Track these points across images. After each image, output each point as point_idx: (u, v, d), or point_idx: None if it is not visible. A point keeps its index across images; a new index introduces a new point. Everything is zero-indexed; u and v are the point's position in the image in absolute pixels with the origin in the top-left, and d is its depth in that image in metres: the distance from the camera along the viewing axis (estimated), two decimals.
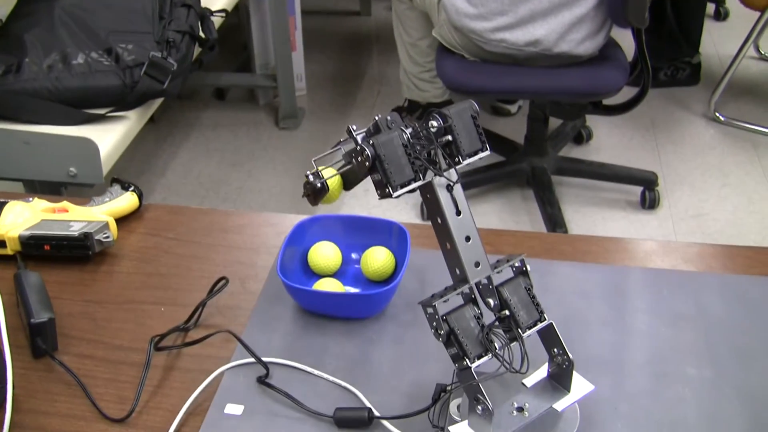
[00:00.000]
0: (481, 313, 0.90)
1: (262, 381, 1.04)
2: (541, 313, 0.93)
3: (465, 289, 0.91)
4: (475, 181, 3.11)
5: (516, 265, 0.93)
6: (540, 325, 0.93)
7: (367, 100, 3.78)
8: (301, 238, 1.22)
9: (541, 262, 1.25)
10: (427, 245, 1.27)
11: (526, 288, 0.92)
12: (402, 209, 3.04)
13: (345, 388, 1.04)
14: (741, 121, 3.54)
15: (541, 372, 0.98)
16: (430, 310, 0.89)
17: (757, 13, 3.44)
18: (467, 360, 0.88)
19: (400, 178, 0.86)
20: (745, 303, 1.17)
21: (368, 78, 3.98)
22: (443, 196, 0.89)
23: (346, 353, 1.10)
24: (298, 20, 3.61)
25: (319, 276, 1.22)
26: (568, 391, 0.95)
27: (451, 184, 0.89)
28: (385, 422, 0.97)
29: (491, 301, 0.91)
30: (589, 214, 3.04)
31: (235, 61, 3.91)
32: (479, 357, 0.89)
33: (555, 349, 0.94)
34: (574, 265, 1.25)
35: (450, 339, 0.89)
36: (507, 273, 0.93)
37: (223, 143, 3.49)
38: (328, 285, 1.18)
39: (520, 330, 0.91)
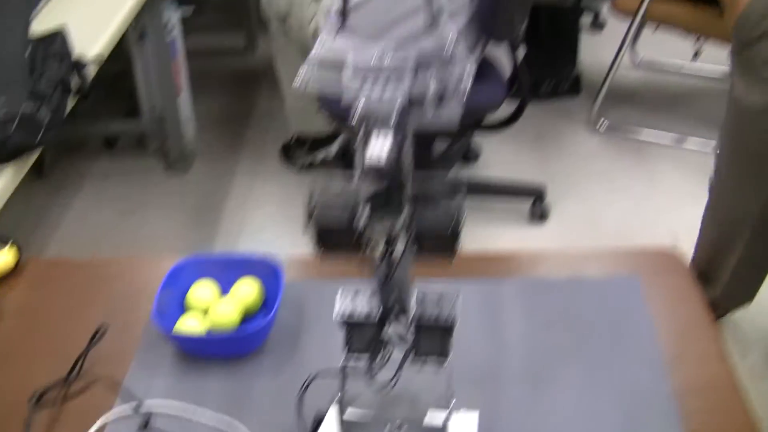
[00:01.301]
0: (385, 329, 0.93)
1: (144, 428, 1.04)
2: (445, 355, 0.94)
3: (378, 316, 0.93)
4: None
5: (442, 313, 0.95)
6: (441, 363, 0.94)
7: (257, 138, 3.77)
8: (178, 280, 1.23)
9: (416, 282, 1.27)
10: (309, 275, 1.28)
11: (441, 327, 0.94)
12: (295, 239, 3.05)
13: (228, 423, 1.05)
14: (623, 127, 3.64)
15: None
16: (341, 299, 0.92)
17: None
18: (345, 351, 0.93)
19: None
20: (611, 303, 1.22)
21: (257, 115, 3.98)
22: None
23: (227, 390, 1.11)
24: (182, 62, 3.59)
25: None
26: None
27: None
28: None
29: (403, 326, 0.94)
30: (480, 232, 3.07)
31: (123, 109, 3.88)
32: (356, 353, 0.93)
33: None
34: (449, 281, 1.27)
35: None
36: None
37: (114, 192, 3.45)
38: (188, 323, 1.18)
39: (412, 354, 0.93)
